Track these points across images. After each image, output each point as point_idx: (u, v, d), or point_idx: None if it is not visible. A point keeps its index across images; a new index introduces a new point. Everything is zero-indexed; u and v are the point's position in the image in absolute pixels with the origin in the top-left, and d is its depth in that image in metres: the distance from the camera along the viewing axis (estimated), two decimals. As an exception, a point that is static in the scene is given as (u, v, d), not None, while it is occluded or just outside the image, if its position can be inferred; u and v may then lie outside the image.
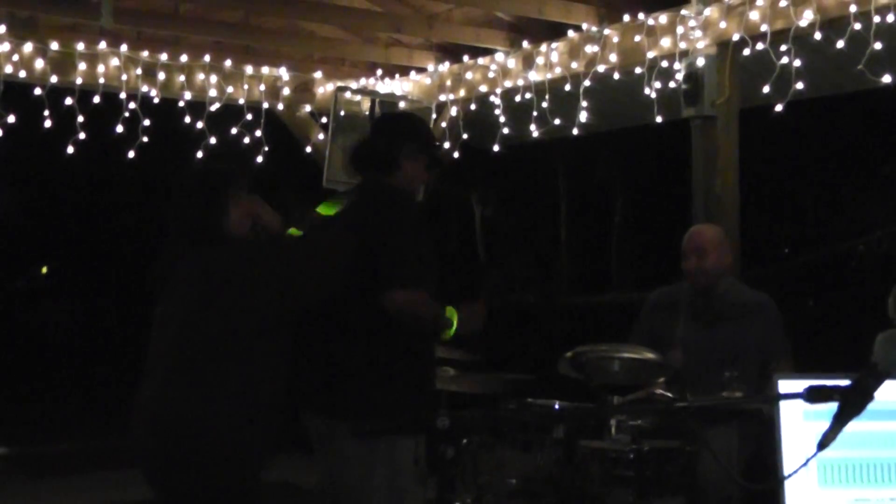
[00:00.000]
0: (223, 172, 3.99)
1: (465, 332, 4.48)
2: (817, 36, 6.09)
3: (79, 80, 7.73)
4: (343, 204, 4.59)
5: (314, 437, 4.44)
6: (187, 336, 3.80)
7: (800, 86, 6.22)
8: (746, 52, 6.42)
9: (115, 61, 7.86)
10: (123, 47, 7.85)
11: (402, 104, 8.63)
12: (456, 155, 8.60)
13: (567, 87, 7.45)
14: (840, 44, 6.05)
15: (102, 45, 7.78)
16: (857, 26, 5.90)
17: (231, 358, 3.75)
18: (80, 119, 7.76)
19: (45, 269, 27.51)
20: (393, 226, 4.28)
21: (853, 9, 5.88)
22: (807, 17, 6.08)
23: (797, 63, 6.19)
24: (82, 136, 7.80)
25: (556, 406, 4.89)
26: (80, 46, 7.72)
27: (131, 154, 8.02)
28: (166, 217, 3.95)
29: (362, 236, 4.22)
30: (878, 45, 5.84)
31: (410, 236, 4.28)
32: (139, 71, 7.93)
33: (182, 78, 8.12)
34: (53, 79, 7.63)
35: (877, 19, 5.82)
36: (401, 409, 4.21)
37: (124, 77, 7.87)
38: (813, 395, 2.56)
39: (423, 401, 4.37)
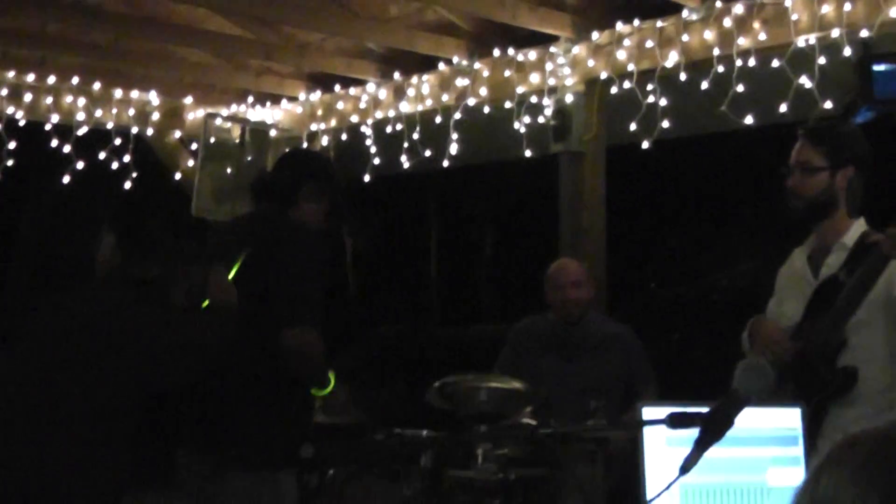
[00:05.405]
0: (98, 200, 3.82)
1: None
2: (682, 77, 6.26)
3: (-61, 101, 7.52)
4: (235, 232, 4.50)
5: (192, 474, 4.34)
6: (33, 391, 3.57)
7: (665, 124, 6.37)
8: (614, 90, 6.56)
9: (-22, 82, 7.67)
10: (-12, 67, 7.66)
11: (272, 132, 8.58)
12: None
13: (438, 119, 7.51)
14: (704, 85, 6.22)
15: (-35, 64, 7.59)
16: (721, 69, 6.08)
17: (71, 428, 3.54)
18: (-59, 141, 7.56)
19: None
20: (293, 263, 4.21)
21: (716, 52, 6.06)
22: (672, 58, 6.24)
23: (663, 102, 6.34)
24: (-57, 158, 7.59)
25: (424, 433, 4.89)
26: (-58, 66, 7.52)
27: (-6, 178, 7.81)
28: (21, 247, 3.75)
29: (260, 271, 4.15)
30: (740, 88, 6.02)
31: (309, 274, 4.23)
32: (4, 92, 7.74)
33: (49, 100, 7.94)
34: (-88, 98, 7.42)
35: (739, 62, 6.00)
36: (285, 442, 4.18)
37: (-12, 98, 7.68)
38: (675, 422, 2.63)
39: (306, 435, 4.34)
